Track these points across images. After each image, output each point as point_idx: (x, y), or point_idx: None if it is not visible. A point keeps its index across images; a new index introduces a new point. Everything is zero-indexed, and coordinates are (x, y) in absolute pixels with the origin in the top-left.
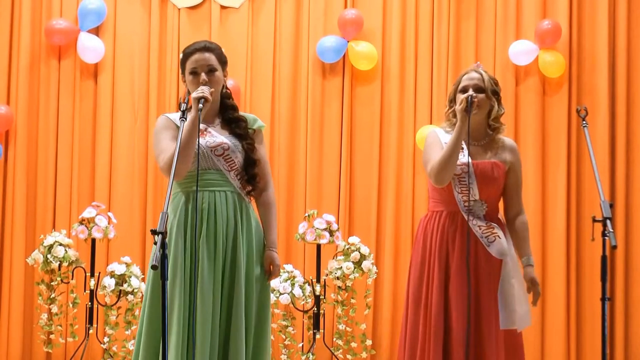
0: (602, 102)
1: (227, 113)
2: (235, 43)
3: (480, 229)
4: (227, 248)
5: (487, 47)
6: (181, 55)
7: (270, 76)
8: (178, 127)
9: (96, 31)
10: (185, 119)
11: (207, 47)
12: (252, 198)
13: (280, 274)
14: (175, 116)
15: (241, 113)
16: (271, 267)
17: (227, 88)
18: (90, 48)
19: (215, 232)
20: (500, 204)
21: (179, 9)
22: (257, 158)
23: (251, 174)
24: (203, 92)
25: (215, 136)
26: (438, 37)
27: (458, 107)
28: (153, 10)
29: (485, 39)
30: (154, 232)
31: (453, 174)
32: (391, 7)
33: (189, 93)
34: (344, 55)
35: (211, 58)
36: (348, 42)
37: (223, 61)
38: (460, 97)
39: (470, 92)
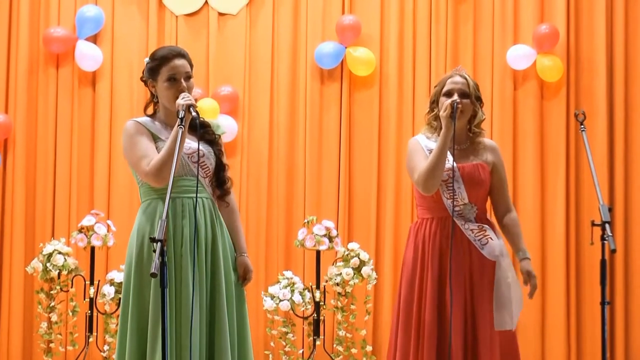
0: (600, 106)
1: (192, 119)
2: (233, 50)
3: (472, 232)
4: (208, 254)
5: (485, 51)
6: (149, 60)
7: (268, 82)
8: (151, 133)
9: (94, 39)
10: (184, 125)
11: (182, 54)
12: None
13: (280, 280)
14: (145, 120)
15: (203, 119)
16: (245, 273)
17: None
18: (88, 56)
19: (198, 238)
20: (488, 205)
21: (177, 16)
22: (226, 162)
23: (222, 178)
24: (190, 99)
25: (189, 143)
26: (436, 42)
27: (443, 114)
28: (151, 18)
29: (483, 44)
30: (152, 240)
31: (440, 181)
32: (389, 12)
33: (154, 97)
34: (342, 61)
35: (186, 65)
36: (346, 48)
37: (192, 67)
38: (444, 102)
39: (455, 97)
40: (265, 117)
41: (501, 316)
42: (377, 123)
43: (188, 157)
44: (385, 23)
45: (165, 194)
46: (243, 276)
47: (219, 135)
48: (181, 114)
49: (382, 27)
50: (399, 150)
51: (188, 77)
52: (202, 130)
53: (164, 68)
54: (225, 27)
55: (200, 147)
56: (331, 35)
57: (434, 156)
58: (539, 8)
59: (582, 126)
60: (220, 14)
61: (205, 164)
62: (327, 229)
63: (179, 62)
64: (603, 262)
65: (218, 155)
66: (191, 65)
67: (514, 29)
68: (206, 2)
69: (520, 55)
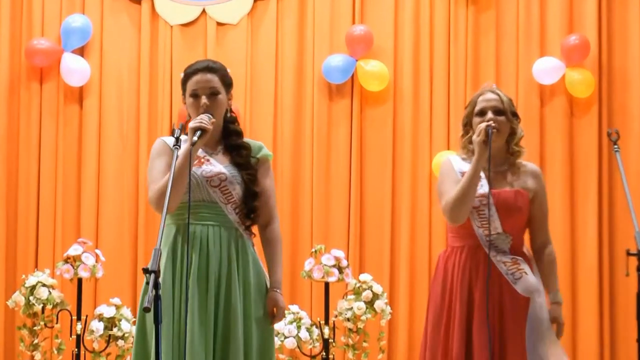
0: (636, 123)
1: (229, 139)
2: (233, 62)
3: (505, 265)
4: (221, 286)
5: (509, 65)
6: (182, 75)
7: (271, 99)
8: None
9: (81, 51)
10: (179, 146)
11: (210, 68)
12: (253, 233)
13: (285, 315)
14: (172, 140)
15: (246, 140)
16: (274, 309)
17: (232, 112)
18: (75, 70)
19: (207, 269)
20: (526, 235)
21: (172, 26)
22: (258, 190)
23: (250, 207)
24: (202, 122)
25: (214, 165)
26: (455, 55)
27: (476, 139)
28: (143, 28)
29: (507, 56)
30: (146, 271)
31: (469, 211)
32: (403, 22)
33: (189, 117)
34: (352, 75)
35: (214, 80)
36: (357, 60)
37: (227, 83)
38: (477, 122)
39: (489, 118)
40: (269, 136)
41: (535, 357)
42: (390, 143)
43: (207, 181)
44: (400, 34)
45: (180, 219)
46: (271, 313)
47: (257, 159)
48: (176, 132)
49: (396, 38)
50: (415, 172)
51: (213, 94)
52: (234, 152)
53: (188, 83)
54: (225, 38)
55: (224, 171)
56: (340, 47)
57: (463, 185)
58: (568, 17)
59: (616, 146)
60: (219, 24)
61: (227, 189)
62: (337, 258)
63: (203, 77)
64: (639, 295)
65: (246, 181)
66: (225, 79)
67: (540, 40)
68: (204, 10)
69: (547, 69)
